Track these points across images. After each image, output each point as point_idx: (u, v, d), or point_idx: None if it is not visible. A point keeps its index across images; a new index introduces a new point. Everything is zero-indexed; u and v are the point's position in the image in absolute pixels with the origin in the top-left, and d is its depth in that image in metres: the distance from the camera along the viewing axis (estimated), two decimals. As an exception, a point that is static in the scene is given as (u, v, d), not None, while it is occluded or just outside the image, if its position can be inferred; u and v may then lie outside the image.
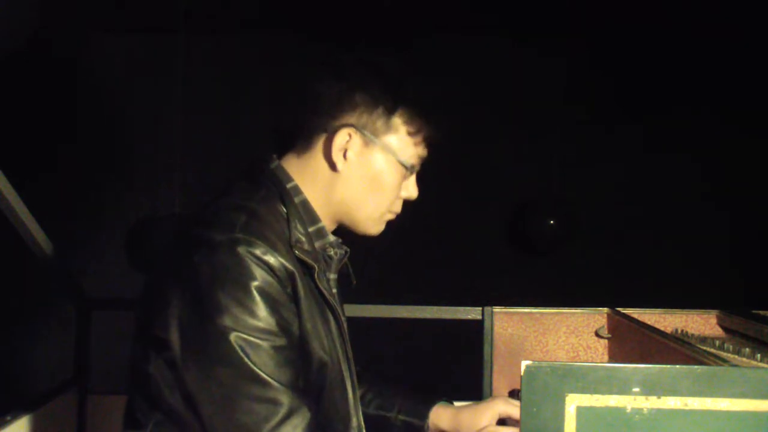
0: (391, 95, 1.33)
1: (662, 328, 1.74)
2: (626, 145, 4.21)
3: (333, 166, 1.33)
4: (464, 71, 4.17)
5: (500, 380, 2.03)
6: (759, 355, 1.44)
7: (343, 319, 1.39)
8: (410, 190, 1.41)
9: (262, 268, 1.18)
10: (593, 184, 4.25)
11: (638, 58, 4.12)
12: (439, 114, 1.37)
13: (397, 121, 1.34)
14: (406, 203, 1.43)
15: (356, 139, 1.32)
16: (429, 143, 1.38)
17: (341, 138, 1.31)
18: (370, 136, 1.32)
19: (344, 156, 1.32)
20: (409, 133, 1.35)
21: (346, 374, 1.36)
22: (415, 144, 1.36)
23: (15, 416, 1.85)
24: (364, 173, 1.34)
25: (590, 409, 0.87)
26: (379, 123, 1.33)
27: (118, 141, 4.29)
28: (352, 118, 1.32)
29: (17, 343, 4.15)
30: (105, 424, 2.18)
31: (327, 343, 1.30)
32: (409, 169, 1.36)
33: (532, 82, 4.19)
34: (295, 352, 1.22)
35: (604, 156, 4.26)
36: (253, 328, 1.15)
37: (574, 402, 0.87)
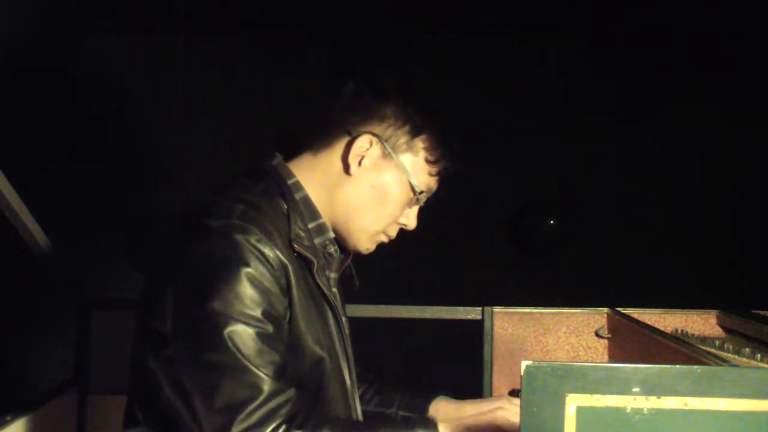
0: (421, 117, 1.35)
1: (662, 328, 1.74)
2: (626, 145, 4.21)
3: (346, 169, 1.34)
4: (464, 71, 4.17)
5: (500, 380, 2.03)
6: (759, 355, 1.44)
7: (342, 317, 1.39)
8: (410, 219, 1.42)
9: (256, 256, 1.18)
10: (593, 184, 4.25)
11: (638, 58, 4.11)
12: (462, 153, 1.38)
13: (420, 144, 1.36)
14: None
15: (375, 149, 1.33)
16: (442, 178, 1.39)
17: (361, 143, 1.33)
18: (389, 150, 1.33)
19: (360, 162, 1.33)
20: (428, 160, 1.36)
21: (345, 371, 1.36)
22: (430, 173, 1.37)
23: (15, 416, 1.85)
24: (374, 183, 1.34)
25: (590, 409, 0.87)
26: (402, 140, 1.34)
27: (118, 141, 4.29)
28: (378, 128, 1.34)
29: (17, 343, 4.14)
30: (105, 424, 2.18)
31: (323, 337, 1.30)
32: (417, 194, 1.37)
33: (532, 82, 4.19)
34: (282, 343, 1.22)
35: (604, 156, 4.25)
36: (240, 313, 1.16)
37: (574, 402, 0.87)
